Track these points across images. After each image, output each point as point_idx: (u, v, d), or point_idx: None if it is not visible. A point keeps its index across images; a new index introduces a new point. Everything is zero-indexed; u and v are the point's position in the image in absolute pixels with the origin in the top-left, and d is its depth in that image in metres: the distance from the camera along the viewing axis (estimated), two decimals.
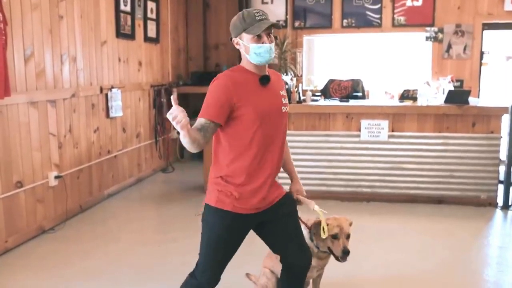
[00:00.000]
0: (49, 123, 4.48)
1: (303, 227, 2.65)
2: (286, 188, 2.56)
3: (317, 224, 2.66)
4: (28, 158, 4.21)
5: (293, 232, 2.49)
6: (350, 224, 2.77)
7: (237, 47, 2.32)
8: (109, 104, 5.49)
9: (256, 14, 2.22)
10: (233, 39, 2.32)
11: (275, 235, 2.48)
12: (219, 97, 2.21)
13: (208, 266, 2.36)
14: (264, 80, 2.31)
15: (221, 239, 2.33)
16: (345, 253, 2.65)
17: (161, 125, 6.91)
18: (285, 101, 2.41)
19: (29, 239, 4.22)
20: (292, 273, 2.55)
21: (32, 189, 4.27)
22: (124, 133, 5.97)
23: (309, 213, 2.48)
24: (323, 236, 2.52)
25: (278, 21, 7.57)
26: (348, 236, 2.70)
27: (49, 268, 3.71)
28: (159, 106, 6.84)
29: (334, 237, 2.66)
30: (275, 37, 7.61)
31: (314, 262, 2.74)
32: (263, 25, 2.21)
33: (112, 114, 5.55)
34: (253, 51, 2.24)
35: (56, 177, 4.53)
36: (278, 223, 2.44)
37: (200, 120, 2.20)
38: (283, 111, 2.37)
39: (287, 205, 2.48)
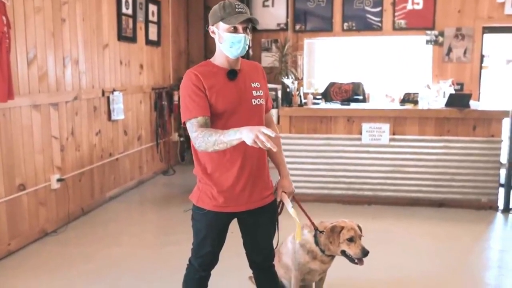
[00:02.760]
0: (52, 126, 4.49)
1: (307, 231, 2.66)
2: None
3: (333, 229, 2.66)
4: (30, 161, 4.22)
5: (264, 238, 2.48)
6: None
7: (212, 35, 2.27)
8: (111, 107, 5.51)
9: (237, 5, 2.18)
10: (209, 26, 2.27)
11: (247, 235, 2.49)
12: (194, 90, 2.19)
13: (199, 254, 2.43)
14: (231, 74, 2.25)
15: (205, 234, 2.39)
16: (365, 253, 2.63)
17: (162, 128, 6.92)
18: (258, 93, 2.33)
19: (32, 242, 4.24)
20: (256, 268, 2.58)
21: (35, 192, 4.28)
22: (126, 135, 5.99)
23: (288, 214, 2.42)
24: (298, 239, 2.52)
25: (279, 24, 7.61)
26: (360, 238, 2.69)
27: (51, 271, 3.72)
28: (160, 109, 6.86)
29: (350, 240, 2.64)
30: (276, 41, 7.86)
31: (317, 266, 2.75)
32: (241, 17, 2.15)
33: (113, 117, 5.57)
34: (226, 42, 2.19)
35: (58, 180, 4.55)
36: (253, 226, 2.45)
37: (199, 120, 2.16)
38: (253, 104, 2.30)
39: (269, 212, 2.44)
